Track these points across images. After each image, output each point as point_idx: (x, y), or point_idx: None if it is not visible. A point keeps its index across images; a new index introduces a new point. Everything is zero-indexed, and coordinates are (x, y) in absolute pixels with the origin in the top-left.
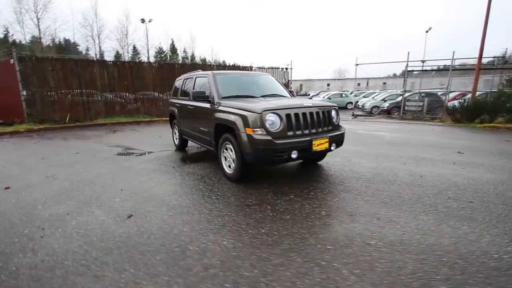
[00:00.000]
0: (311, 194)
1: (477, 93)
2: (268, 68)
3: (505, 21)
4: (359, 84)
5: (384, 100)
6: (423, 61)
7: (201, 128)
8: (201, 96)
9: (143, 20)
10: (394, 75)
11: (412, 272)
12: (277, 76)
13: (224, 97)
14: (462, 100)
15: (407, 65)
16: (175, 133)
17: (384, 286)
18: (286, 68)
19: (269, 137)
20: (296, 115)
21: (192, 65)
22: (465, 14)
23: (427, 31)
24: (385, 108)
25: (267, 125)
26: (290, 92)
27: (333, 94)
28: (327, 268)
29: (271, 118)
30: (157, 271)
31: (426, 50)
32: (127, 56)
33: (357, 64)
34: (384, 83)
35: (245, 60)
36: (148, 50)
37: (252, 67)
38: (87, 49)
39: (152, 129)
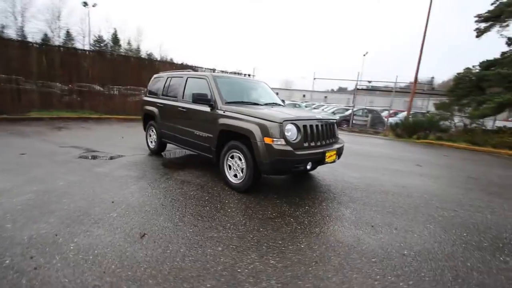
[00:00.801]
0: (324, 205)
1: (407, 113)
2: (231, 73)
3: (439, 49)
4: (304, 96)
5: (333, 113)
6: (369, 81)
7: (197, 133)
8: (203, 99)
9: (85, 4)
10: (332, 90)
11: (454, 278)
12: None
13: (228, 102)
14: (403, 118)
15: (357, 83)
16: (150, 135)
17: None
18: (249, 75)
19: (289, 148)
20: (311, 126)
21: (163, 63)
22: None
23: (364, 55)
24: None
25: (287, 136)
26: (282, 101)
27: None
28: (387, 283)
29: (290, 128)
30: None
31: (386, 70)
32: (57, 41)
33: (315, 78)
34: (325, 97)
35: (198, 62)
36: (85, 37)
37: (215, 69)
38: (3, 27)
39: (106, 127)
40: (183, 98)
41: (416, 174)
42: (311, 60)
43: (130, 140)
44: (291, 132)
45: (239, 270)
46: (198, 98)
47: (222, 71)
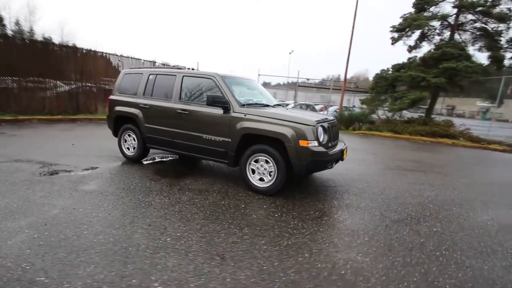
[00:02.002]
0: (366, 204)
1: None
2: (173, 66)
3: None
4: None
5: None
6: (307, 79)
7: (207, 138)
8: (219, 101)
9: None
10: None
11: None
12: None
13: (243, 105)
14: (337, 112)
15: (298, 80)
16: (127, 141)
17: None
18: (193, 69)
19: (323, 149)
20: (329, 127)
21: (91, 53)
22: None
23: (290, 53)
24: None
25: (319, 137)
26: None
27: None
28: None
29: (320, 130)
30: None
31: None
32: None
33: (259, 75)
34: (275, 93)
35: (116, 50)
36: None
37: (155, 62)
38: None
39: (35, 133)
40: (180, 99)
41: (384, 164)
42: (241, 58)
43: (84, 147)
44: (322, 133)
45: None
46: (215, 101)
47: (164, 64)
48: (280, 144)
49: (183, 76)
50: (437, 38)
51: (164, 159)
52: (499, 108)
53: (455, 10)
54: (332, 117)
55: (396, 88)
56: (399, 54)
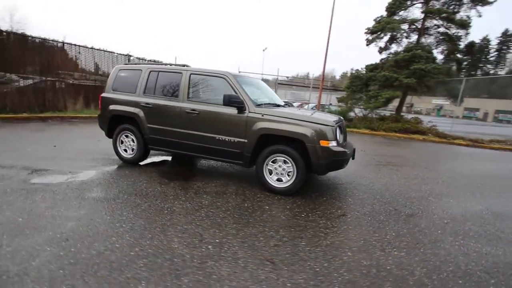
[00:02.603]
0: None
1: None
2: (150, 61)
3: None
4: None
5: None
6: (287, 77)
7: (220, 138)
8: (236, 101)
9: None
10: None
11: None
12: None
13: (259, 105)
14: (318, 110)
15: (277, 78)
16: (123, 142)
17: None
18: (171, 64)
19: (342, 149)
20: (340, 127)
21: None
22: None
23: (263, 50)
24: None
25: (338, 137)
26: None
27: None
28: None
29: (338, 130)
30: None
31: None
32: None
33: (239, 72)
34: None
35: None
36: None
37: (130, 55)
38: None
39: (4, 133)
40: (188, 98)
41: (364, 160)
42: (216, 53)
43: (70, 149)
44: (339, 134)
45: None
46: (231, 101)
47: (139, 58)
48: (299, 144)
49: (191, 74)
50: (405, 41)
51: (156, 160)
52: (459, 106)
53: (422, 15)
54: (341, 117)
55: (370, 87)
56: (364, 54)
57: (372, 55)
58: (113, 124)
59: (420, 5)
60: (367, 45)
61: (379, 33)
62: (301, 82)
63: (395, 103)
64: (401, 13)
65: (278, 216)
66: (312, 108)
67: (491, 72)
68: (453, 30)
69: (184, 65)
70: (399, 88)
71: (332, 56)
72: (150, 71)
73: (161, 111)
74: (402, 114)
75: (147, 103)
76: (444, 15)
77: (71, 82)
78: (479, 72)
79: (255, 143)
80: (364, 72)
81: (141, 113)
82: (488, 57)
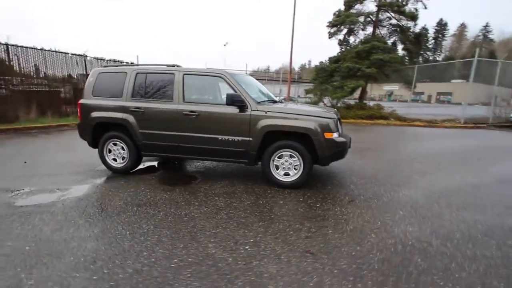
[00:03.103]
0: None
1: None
2: (109, 60)
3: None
4: None
5: None
6: (246, 71)
7: (223, 139)
8: (238, 100)
9: None
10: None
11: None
12: None
13: (259, 102)
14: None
15: (246, 73)
16: (111, 151)
17: None
18: (132, 63)
19: (344, 139)
20: (339, 119)
21: None
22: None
23: (224, 45)
24: None
25: (339, 129)
26: None
27: None
28: None
29: (338, 122)
30: None
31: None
32: None
33: (207, 68)
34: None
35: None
36: None
37: (86, 55)
38: None
39: None
40: (184, 100)
41: None
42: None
43: (45, 164)
44: (339, 125)
45: None
46: (234, 100)
47: (97, 58)
48: (303, 138)
49: (184, 74)
50: (361, 33)
51: (142, 167)
52: (413, 90)
53: (376, 8)
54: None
55: (334, 78)
56: (319, 47)
57: (328, 47)
58: (98, 132)
59: None
60: (330, 37)
61: (339, 26)
62: (263, 75)
63: (357, 91)
64: (357, 6)
65: (296, 209)
66: (281, 101)
67: (430, 58)
68: (404, 22)
69: (174, 65)
70: (362, 77)
71: (288, 49)
72: (137, 73)
73: (154, 115)
74: (364, 101)
75: (137, 108)
76: (396, 8)
77: (19, 89)
78: (420, 59)
79: (260, 140)
80: (328, 64)
81: (131, 118)
82: (427, 44)
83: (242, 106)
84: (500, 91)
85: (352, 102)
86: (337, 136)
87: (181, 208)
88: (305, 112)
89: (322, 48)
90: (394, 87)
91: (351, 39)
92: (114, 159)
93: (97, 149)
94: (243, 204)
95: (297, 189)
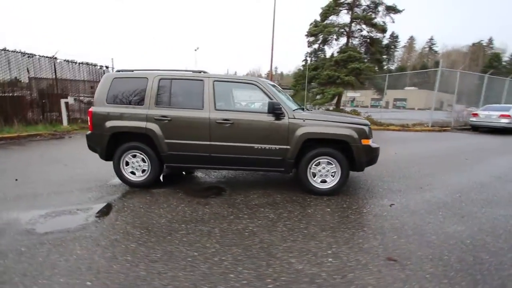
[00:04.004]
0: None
1: None
2: (81, 63)
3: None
4: None
5: None
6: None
7: (259, 147)
8: (278, 108)
9: None
10: None
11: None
12: (96, 76)
13: (293, 110)
14: None
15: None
16: (128, 164)
17: None
18: (107, 67)
19: (377, 145)
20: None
21: None
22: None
23: (195, 50)
24: None
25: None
26: None
27: None
28: None
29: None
30: None
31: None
32: None
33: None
34: None
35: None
36: None
37: (56, 58)
38: None
39: None
40: (215, 108)
41: None
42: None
43: (40, 180)
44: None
45: None
46: (275, 108)
47: (68, 61)
48: (340, 145)
49: (214, 81)
50: (335, 43)
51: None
52: (382, 98)
53: (349, 20)
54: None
55: (312, 85)
56: (284, 54)
57: (296, 55)
58: (113, 143)
59: (346, 11)
60: (309, 46)
61: (318, 35)
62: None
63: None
64: (333, 18)
65: (349, 217)
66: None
67: (385, 68)
68: (373, 34)
69: (200, 71)
70: (341, 85)
71: (257, 56)
72: (160, 79)
73: (183, 124)
74: (341, 108)
75: (163, 116)
76: (368, 20)
77: None
78: (376, 68)
79: (299, 148)
80: (307, 71)
81: (156, 127)
82: (382, 55)
83: (279, 114)
84: (446, 97)
85: (330, 108)
86: (372, 142)
87: (233, 222)
88: (343, 120)
89: (287, 56)
90: (356, 94)
91: (326, 48)
92: (133, 172)
93: (100, 160)
94: (294, 214)
95: (333, 196)
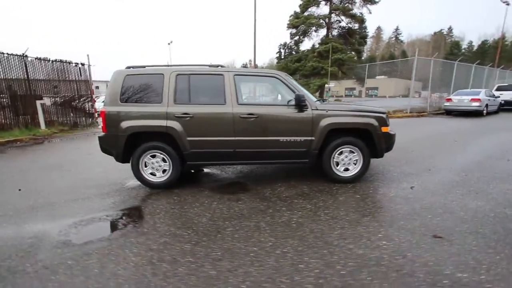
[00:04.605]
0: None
1: None
2: (55, 61)
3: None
4: (97, 87)
5: None
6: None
7: (284, 140)
8: (303, 100)
9: None
10: None
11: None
12: (71, 73)
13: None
14: None
15: None
16: (148, 165)
17: None
18: (83, 64)
19: (394, 132)
20: None
21: None
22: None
23: (169, 44)
24: None
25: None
26: None
27: None
28: None
29: None
30: None
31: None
32: None
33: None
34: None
35: None
36: None
37: (26, 56)
38: None
39: None
40: (238, 102)
41: None
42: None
43: (46, 188)
44: None
45: None
46: (301, 101)
47: (40, 58)
48: (361, 134)
49: (235, 75)
50: (315, 34)
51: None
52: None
53: (328, 12)
54: None
55: (295, 77)
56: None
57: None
58: (130, 144)
59: (324, 2)
60: (291, 38)
61: (299, 26)
62: None
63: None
64: (312, 9)
65: (380, 201)
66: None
67: (355, 58)
68: (352, 25)
69: (217, 66)
70: (325, 75)
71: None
72: (177, 75)
73: (206, 121)
74: (325, 98)
75: (184, 113)
76: (347, 12)
77: None
78: (355, 58)
79: (323, 139)
80: (291, 63)
81: (177, 125)
82: (360, 45)
83: (303, 106)
84: (415, 84)
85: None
86: (390, 129)
87: (275, 215)
88: (363, 109)
89: (260, 48)
90: (331, 84)
91: (305, 39)
92: (152, 173)
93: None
94: (328, 203)
95: (355, 183)
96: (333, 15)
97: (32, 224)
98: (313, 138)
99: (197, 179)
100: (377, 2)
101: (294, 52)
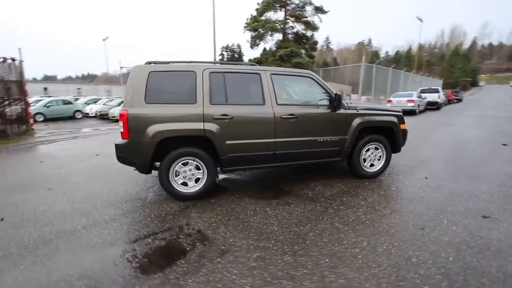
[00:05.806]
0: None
1: None
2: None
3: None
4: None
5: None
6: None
7: (322, 140)
8: (340, 100)
9: None
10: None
11: None
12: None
13: None
14: None
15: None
16: (179, 174)
17: None
18: (13, 59)
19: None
20: None
21: None
22: None
23: (104, 40)
24: None
25: None
26: None
27: (52, 100)
28: None
29: None
30: None
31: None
32: None
33: (121, 67)
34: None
35: None
36: None
37: None
38: None
39: None
40: (277, 102)
41: None
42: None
43: (40, 213)
44: None
45: None
46: (339, 100)
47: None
48: (385, 131)
49: (271, 74)
50: (270, 38)
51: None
52: None
53: (283, 18)
54: None
55: None
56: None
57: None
58: (159, 151)
59: (279, 8)
60: (252, 40)
61: (259, 30)
62: None
63: None
64: (269, 14)
65: (416, 192)
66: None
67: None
68: (306, 32)
69: (252, 64)
70: None
71: (178, 51)
72: (210, 73)
73: (246, 122)
74: None
75: (224, 115)
76: (302, 19)
77: None
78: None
79: (355, 137)
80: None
81: (215, 128)
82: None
83: (333, 106)
84: (346, 88)
85: None
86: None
87: (338, 215)
88: (385, 108)
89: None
90: None
91: (260, 43)
92: (184, 183)
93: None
94: (374, 197)
95: (376, 177)
96: (288, 20)
97: (63, 261)
98: (346, 136)
99: (225, 187)
100: (327, 12)
101: (236, 55)
